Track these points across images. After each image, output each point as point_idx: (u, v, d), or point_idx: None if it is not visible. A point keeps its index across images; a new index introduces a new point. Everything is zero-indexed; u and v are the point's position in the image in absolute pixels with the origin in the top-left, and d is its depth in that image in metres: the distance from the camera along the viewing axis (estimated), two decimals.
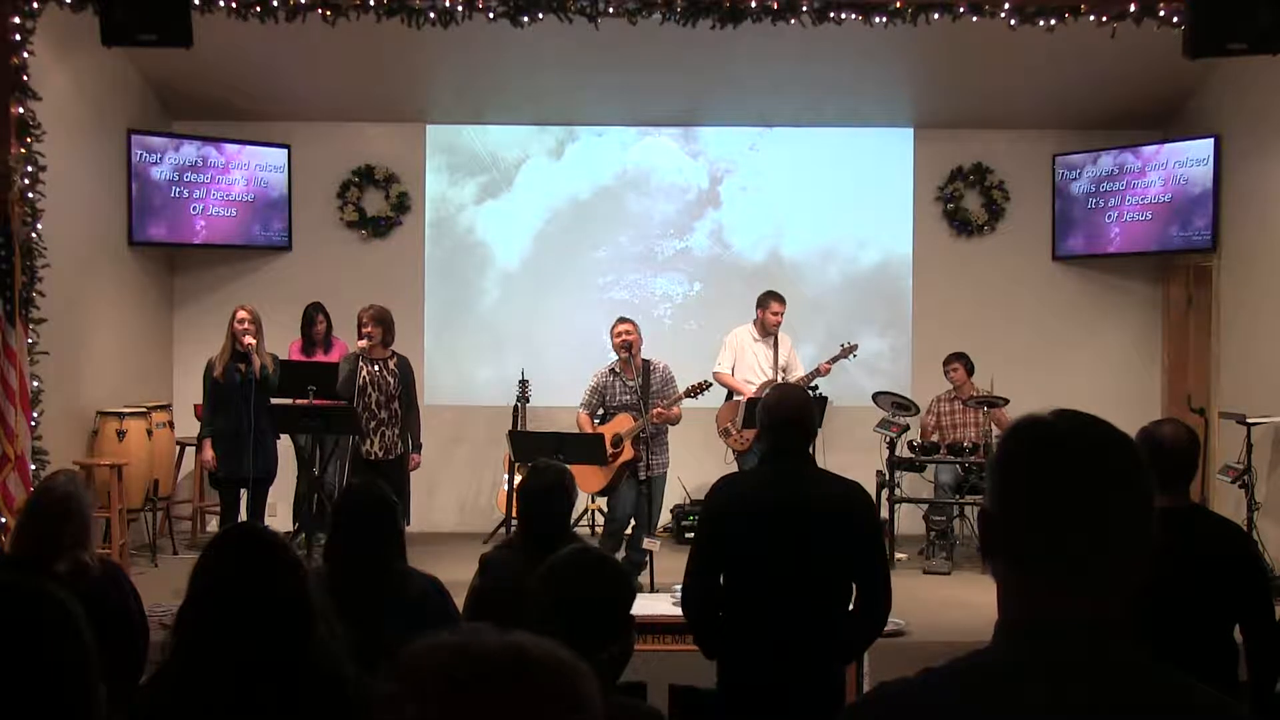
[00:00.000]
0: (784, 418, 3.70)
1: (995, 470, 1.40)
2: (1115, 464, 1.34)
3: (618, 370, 7.45)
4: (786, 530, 3.57)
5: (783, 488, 3.64)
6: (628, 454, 7.22)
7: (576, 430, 7.40)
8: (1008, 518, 1.36)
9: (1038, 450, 1.37)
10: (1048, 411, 1.40)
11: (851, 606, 3.70)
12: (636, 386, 7.32)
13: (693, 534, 5.30)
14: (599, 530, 8.27)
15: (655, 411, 7.21)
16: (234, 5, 6.70)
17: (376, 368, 7.13)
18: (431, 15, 6.80)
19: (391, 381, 7.13)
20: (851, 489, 3.74)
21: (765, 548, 3.58)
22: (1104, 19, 6.80)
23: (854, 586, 3.69)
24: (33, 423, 6.60)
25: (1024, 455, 1.37)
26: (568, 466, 4.17)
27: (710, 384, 7.67)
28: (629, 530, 7.35)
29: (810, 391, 8.10)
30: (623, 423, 7.30)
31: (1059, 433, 1.37)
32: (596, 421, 7.42)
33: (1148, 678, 1.31)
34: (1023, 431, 1.39)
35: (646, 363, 7.44)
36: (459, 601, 3.71)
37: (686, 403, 7.52)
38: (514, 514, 8.30)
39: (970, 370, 8.69)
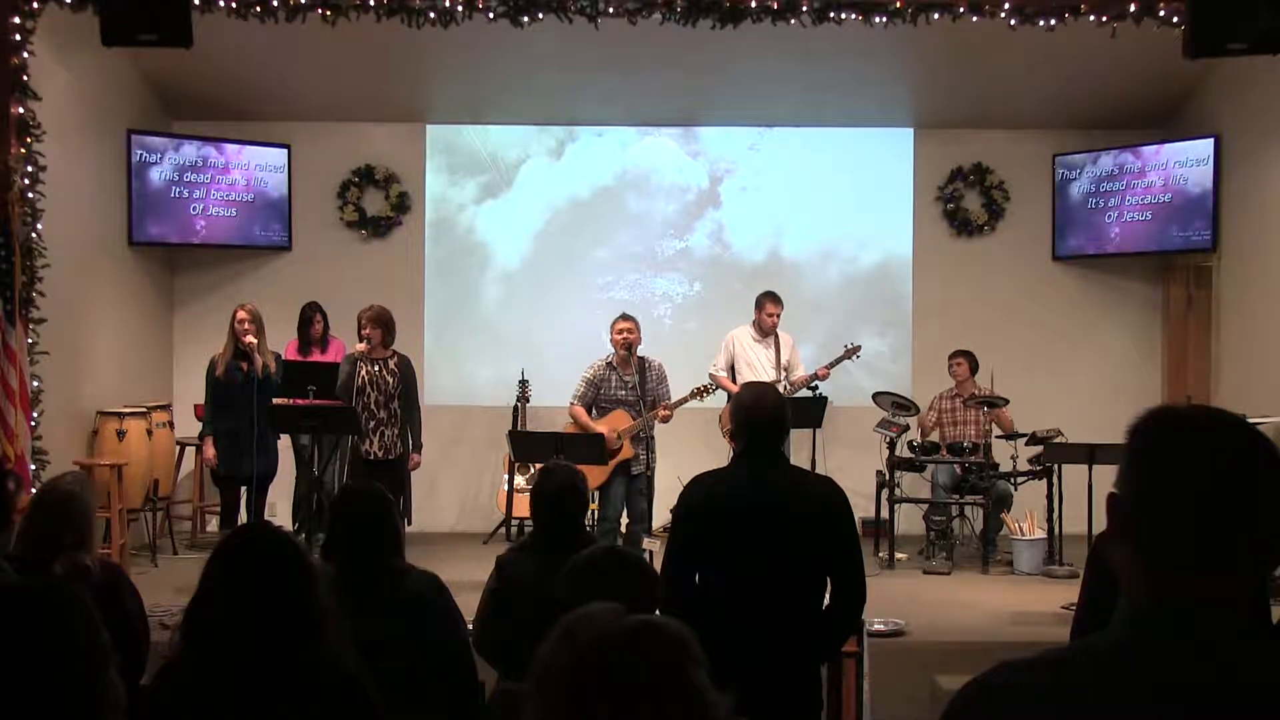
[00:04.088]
0: (762, 418, 3.69)
1: (1139, 457, 1.41)
2: (1262, 454, 1.37)
3: (614, 365, 7.46)
4: (763, 529, 3.56)
5: (758, 486, 3.63)
6: (626, 452, 7.25)
7: (573, 425, 7.41)
8: (1154, 505, 1.37)
9: (1189, 439, 1.39)
10: (1182, 405, 1.44)
11: (826, 603, 3.69)
12: (634, 383, 7.33)
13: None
14: (595, 529, 8.27)
15: (660, 414, 7.26)
16: (234, 5, 6.71)
17: (376, 368, 7.12)
18: (431, 15, 6.81)
19: (391, 381, 7.12)
20: (827, 486, 3.75)
21: (741, 546, 3.57)
22: (1104, 19, 6.82)
23: (828, 583, 3.68)
24: (33, 423, 6.61)
25: (1172, 441, 1.40)
26: (579, 467, 4.19)
27: (714, 386, 7.72)
28: (623, 528, 7.37)
29: (811, 392, 8.12)
30: (620, 420, 7.32)
31: (1205, 424, 1.40)
32: (593, 415, 7.44)
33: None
34: (1166, 420, 1.42)
35: (642, 360, 7.45)
36: (461, 600, 3.71)
37: (690, 402, 7.55)
38: (514, 514, 8.39)
39: (974, 368, 8.67)
